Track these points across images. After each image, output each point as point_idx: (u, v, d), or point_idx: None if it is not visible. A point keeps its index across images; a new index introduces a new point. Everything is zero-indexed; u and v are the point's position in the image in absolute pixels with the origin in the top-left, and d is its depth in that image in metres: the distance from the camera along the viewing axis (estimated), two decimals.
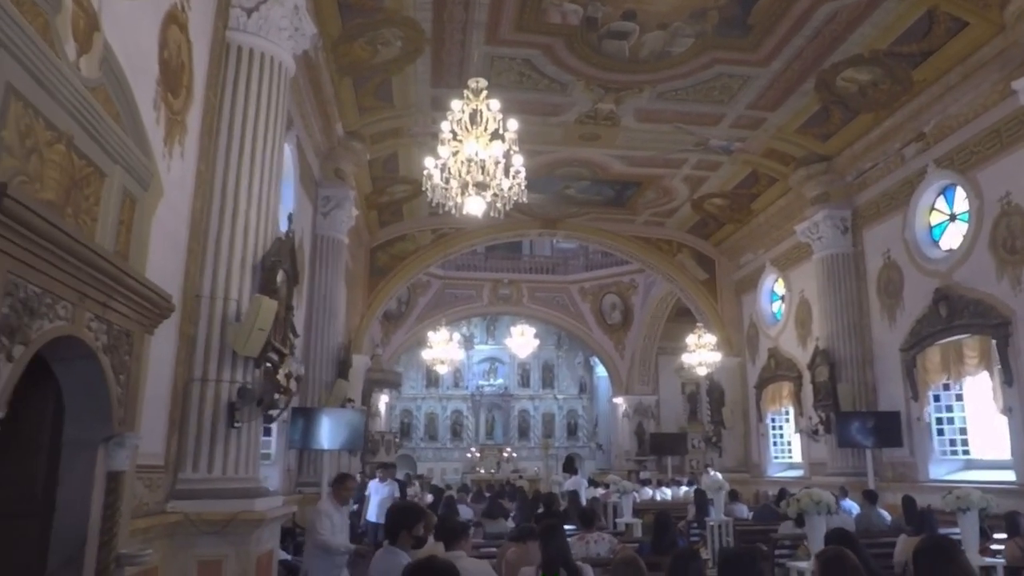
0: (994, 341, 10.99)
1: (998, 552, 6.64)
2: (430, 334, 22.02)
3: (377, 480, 12.25)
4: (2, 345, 3.52)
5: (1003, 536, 7.02)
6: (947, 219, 12.79)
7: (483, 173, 7.28)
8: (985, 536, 7.34)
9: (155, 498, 6.24)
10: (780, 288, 18.43)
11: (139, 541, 5.41)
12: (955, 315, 11.82)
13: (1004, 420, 10.97)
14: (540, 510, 9.38)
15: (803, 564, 6.55)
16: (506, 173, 7.51)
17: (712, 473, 17.02)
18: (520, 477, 26.56)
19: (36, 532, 4.50)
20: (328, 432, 11.93)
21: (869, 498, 10.07)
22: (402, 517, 4.57)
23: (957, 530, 6.84)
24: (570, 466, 31.21)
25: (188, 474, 6.64)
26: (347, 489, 7.30)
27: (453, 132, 7.47)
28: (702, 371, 19.15)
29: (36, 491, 4.57)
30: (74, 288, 4.19)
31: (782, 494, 11.77)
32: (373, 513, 13.15)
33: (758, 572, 3.09)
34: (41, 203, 3.92)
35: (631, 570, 3.94)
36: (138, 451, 5.32)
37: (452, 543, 4.47)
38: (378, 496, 13.29)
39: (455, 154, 7.41)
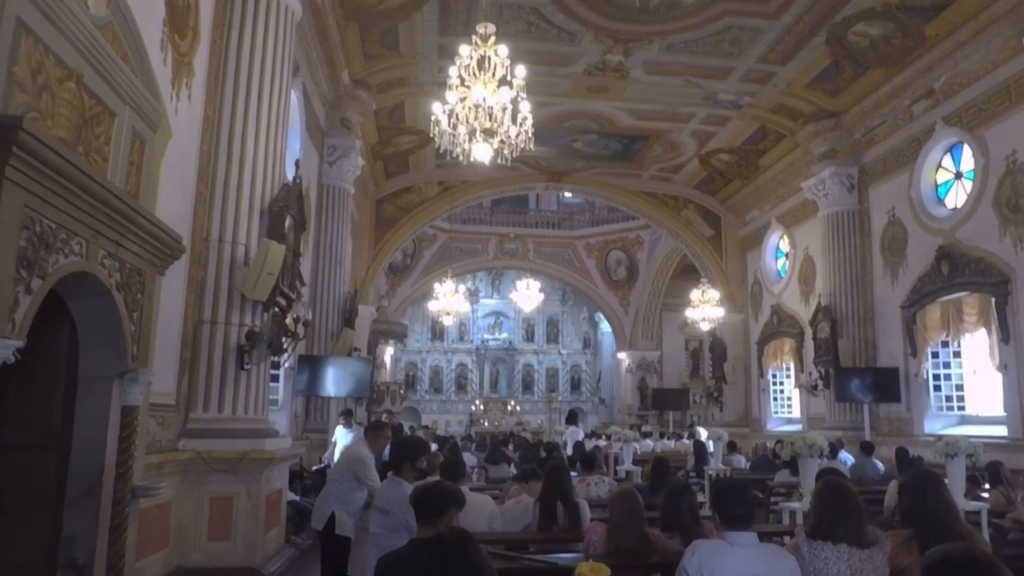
0: (993, 299, 11.06)
1: (985, 498, 6.82)
2: (436, 286, 22.15)
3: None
4: (20, 277, 3.63)
5: (989, 487, 7.22)
6: (953, 177, 12.76)
7: (491, 120, 7.29)
8: (976, 484, 7.51)
9: (167, 436, 6.43)
10: (785, 245, 18.46)
11: (153, 476, 5.60)
12: (956, 273, 11.88)
13: (999, 377, 11.10)
14: (543, 455, 9.58)
15: (795, 505, 6.72)
16: (513, 120, 7.51)
17: (699, 430, 17.36)
18: (524, 430, 26.88)
19: (56, 463, 4.67)
20: (334, 380, 12.15)
21: (865, 449, 10.27)
22: (406, 450, 4.71)
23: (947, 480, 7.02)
24: (572, 419, 31.53)
25: (199, 414, 6.81)
26: (384, 438, 6.47)
27: (461, 78, 7.47)
28: (705, 326, 19.27)
29: (54, 424, 4.73)
30: (88, 225, 4.29)
31: (780, 444, 11.97)
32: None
33: (750, 499, 3.22)
34: (54, 140, 4.00)
35: (627, 499, 4.09)
36: (151, 389, 5.47)
37: (456, 480, 4.63)
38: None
39: (463, 100, 7.42)
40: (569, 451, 12.68)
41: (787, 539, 3.95)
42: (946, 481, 6.62)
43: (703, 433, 15.01)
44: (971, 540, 3.15)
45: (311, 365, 12.00)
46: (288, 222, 7.59)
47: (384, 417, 14.63)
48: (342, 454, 6.21)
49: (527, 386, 34.36)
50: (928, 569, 1.90)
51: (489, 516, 4.95)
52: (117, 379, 4.90)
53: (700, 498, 5.12)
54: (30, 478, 4.58)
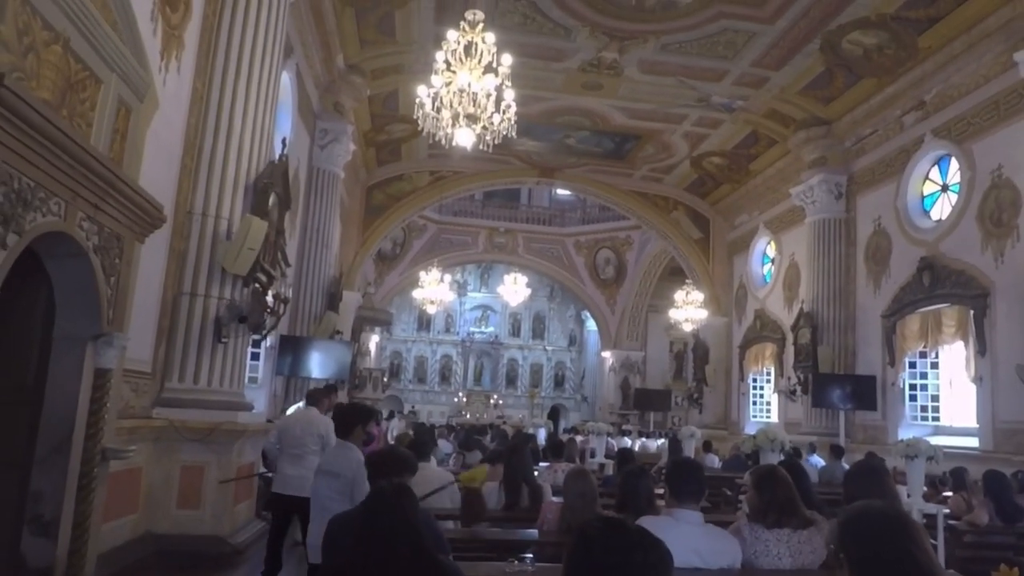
0: (972, 312, 11.20)
1: (945, 501, 6.94)
2: (422, 274, 22.19)
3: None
4: None
5: (950, 494, 7.35)
6: (939, 189, 12.89)
7: (475, 105, 7.36)
8: (936, 489, 7.63)
9: (141, 403, 6.47)
10: (771, 250, 18.59)
11: (125, 440, 5.65)
12: (937, 284, 12.01)
13: (973, 389, 11.24)
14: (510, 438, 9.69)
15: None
16: (497, 108, 7.57)
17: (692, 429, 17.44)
18: (504, 423, 26.96)
19: (27, 419, 4.72)
20: (316, 362, 12.19)
21: (835, 453, 10.40)
22: (357, 415, 4.76)
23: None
24: (554, 415, 31.80)
25: (174, 383, 6.86)
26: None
27: (447, 62, 7.53)
28: (688, 327, 19.39)
29: (27, 381, 4.78)
30: (67, 186, 4.34)
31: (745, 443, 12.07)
32: None
33: (701, 479, 3.31)
34: (37, 99, 4.04)
35: (580, 479, 4.18)
36: (126, 355, 5.52)
37: (422, 455, 4.73)
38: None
39: (448, 84, 7.48)
40: (541, 442, 12.78)
41: None
42: (906, 488, 6.79)
43: (697, 433, 15.07)
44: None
45: (293, 346, 12.03)
46: (272, 199, 7.64)
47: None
48: (299, 422, 6.21)
49: (511, 380, 34.49)
50: (845, 524, 1.98)
51: (450, 493, 5.04)
52: (92, 341, 4.94)
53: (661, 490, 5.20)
54: (1, 432, 4.63)
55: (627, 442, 17.19)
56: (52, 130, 3.95)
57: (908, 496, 6.51)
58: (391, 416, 17.66)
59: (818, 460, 10.94)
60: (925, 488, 7.47)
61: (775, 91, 14.14)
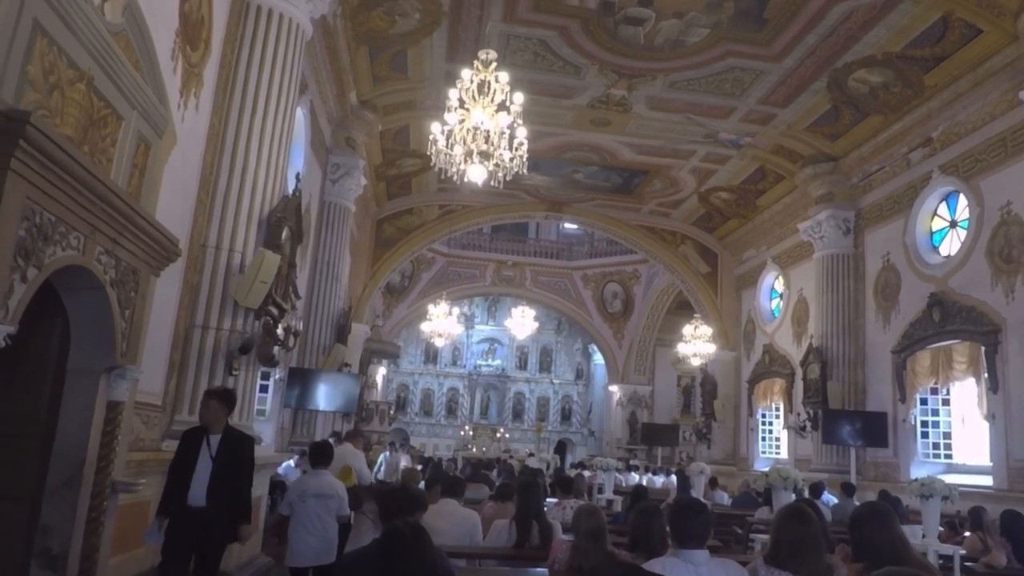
0: (983, 348, 11.15)
1: (961, 541, 6.85)
2: (430, 307, 22.24)
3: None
4: (17, 266, 3.74)
5: (968, 534, 7.25)
6: (948, 225, 12.91)
7: (487, 142, 7.46)
8: (954, 530, 7.54)
9: (151, 435, 6.48)
10: (780, 285, 18.58)
11: (134, 473, 5.64)
12: (947, 320, 11.98)
13: (986, 426, 11.14)
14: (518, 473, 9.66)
15: (768, 536, 6.71)
16: (509, 145, 7.67)
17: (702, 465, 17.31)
18: (511, 457, 26.80)
19: (38, 452, 4.73)
20: (324, 394, 12.19)
21: (846, 491, 10.31)
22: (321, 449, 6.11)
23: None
24: (561, 450, 31.64)
25: (184, 416, 6.86)
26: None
27: (461, 100, 7.65)
28: (696, 362, 19.32)
29: (40, 414, 4.80)
30: (87, 221, 4.40)
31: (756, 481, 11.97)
32: None
33: (706, 520, 3.28)
34: (60, 137, 4.11)
35: (590, 517, 4.14)
36: (138, 387, 5.55)
37: (455, 495, 4.86)
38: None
39: (461, 122, 7.60)
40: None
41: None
42: (921, 527, 6.73)
43: (707, 469, 14.99)
44: (924, 571, 3.20)
45: (301, 378, 12.04)
46: (285, 233, 7.70)
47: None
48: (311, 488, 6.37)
49: (517, 414, 34.32)
50: None
51: (471, 529, 5.04)
52: (105, 373, 4.97)
53: None
54: (11, 466, 4.64)
55: (635, 478, 17.06)
56: (74, 166, 4.02)
57: (923, 536, 6.45)
58: (393, 447, 17.60)
59: (830, 498, 10.83)
60: (941, 528, 7.38)
61: (782, 128, 14.25)
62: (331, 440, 12.13)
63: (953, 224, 12.78)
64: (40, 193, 3.87)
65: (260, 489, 7.64)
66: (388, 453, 15.51)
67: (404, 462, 15.46)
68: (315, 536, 6.07)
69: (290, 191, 8.15)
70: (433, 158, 7.87)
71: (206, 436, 5.14)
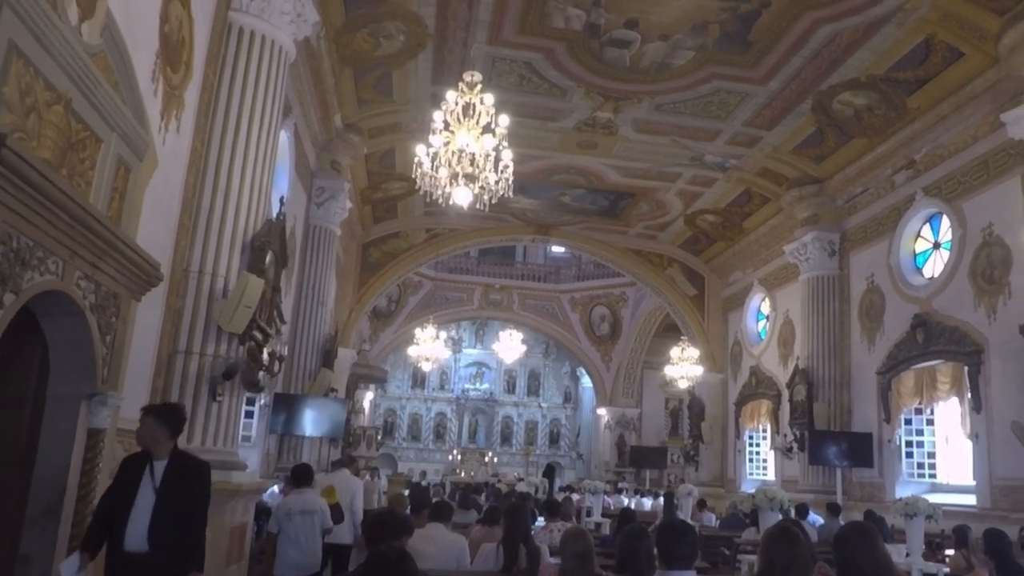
0: (966, 368, 11.21)
1: (945, 559, 6.84)
2: (417, 331, 22.16)
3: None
4: None
5: (952, 552, 7.24)
6: (931, 247, 13.00)
7: (472, 165, 7.46)
8: (938, 549, 7.52)
9: None
10: (766, 308, 18.64)
11: None
12: (931, 341, 12.04)
13: (970, 446, 11.18)
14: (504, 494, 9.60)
15: (754, 557, 6.69)
16: (495, 168, 7.68)
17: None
18: (499, 481, 26.63)
19: (17, 480, 4.64)
20: (310, 420, 12.07)
21: (832, 511, 10.29)
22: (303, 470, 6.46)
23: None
24: (549, 473, 31.46)
25: None
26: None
27: (446, 122, 7.65)
28: (683, 384, 19.32)
29: (19, 441, 4.71)
30: (65, 245, 4.35)
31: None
32: None
33: (692, 541, 3.25)
34: (38, 159, 4.07)
35: (577, 540, 4.11)
36: (119, 413, 5.46)
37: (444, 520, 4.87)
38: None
39: (446, 144, 7.60)
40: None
41: None
42: (905, 547, 6.70)
43: (695, 491, 14.95)
44: None
45: (287, 403, 11.92)
46: (269, 257, 7.64)
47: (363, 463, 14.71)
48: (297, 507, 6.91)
49: (505, 438, 34.14)
50: None
51: (458, 553, 4.99)
52: (85, 400, 4.89)
53: None
54: None
55: (623, 500, 16.96)
56: (52, 190, 3.98)
57: (907, 555, 6.42)
58: (375, 473, 17.41)
59: (816, 518, 10.81)
60: (924, 548, 7.37)
61: (768, 150, 14.36)
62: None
63: (936, 246, 12.88)
64: (17, 217, 3.82)
65: (246, 516, 7.53)
66: (369, 479, 15.35)
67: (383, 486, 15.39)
68: (301, 550, 6.65)
69: (274, 215, 8.10)
70: (418, 181, 7.86)
71: (149, 463, 4.27)
